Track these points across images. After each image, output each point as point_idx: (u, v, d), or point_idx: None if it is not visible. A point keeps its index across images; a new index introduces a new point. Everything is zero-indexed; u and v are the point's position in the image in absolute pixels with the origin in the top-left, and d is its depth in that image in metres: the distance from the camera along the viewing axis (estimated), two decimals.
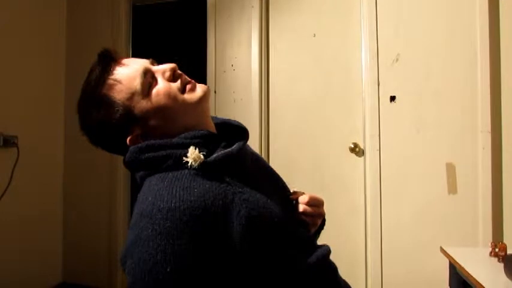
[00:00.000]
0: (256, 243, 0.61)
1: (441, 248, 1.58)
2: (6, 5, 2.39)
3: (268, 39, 2.47)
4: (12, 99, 2.42)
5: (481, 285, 1.19)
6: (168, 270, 0.55)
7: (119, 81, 0.70)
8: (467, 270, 1.31)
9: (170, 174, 0.63)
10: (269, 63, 2.46)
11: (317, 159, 2.33)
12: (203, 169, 0.64)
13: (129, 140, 0.71)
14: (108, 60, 0.72)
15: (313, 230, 0.80)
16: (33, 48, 2.59)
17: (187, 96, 0.72)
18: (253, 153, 0.82)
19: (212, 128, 0.77)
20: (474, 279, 1.24)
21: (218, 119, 0.83)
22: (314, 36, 2.37)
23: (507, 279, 1.21)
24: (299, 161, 2.36)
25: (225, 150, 0.68)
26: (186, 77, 0.75)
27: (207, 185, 0.61)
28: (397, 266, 2.10)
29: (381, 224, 2.12)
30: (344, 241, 2.22)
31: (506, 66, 1.98)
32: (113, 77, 0.71)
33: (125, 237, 2.81)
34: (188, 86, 0.73)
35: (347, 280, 0.77)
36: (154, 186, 0.62)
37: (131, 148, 0.69)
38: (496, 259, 1.42)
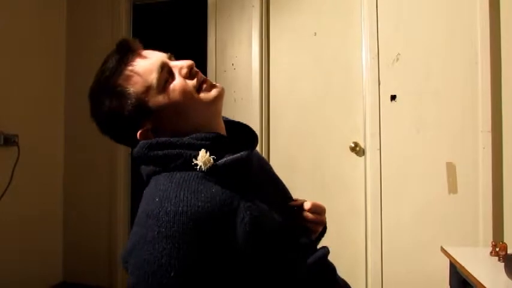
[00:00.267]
0: (258, 249, 0.61)
1: (441, 247, 1.58)
2: (6, 5, 2.39)
3: (268, 38, 2.47)
4: (12, 98, 2.42)
5: (482, 284, 1.19)
6: (172, 274, 0.55)
7: (136, 73, 0.69)
8: (467, 269, 1.31)
9: (178, 174, 0.63)
10: (269, 63, 2.46)
11: (317, 158, 2.33)
12: (211, 173, 0.63)
13: (140, 134, 0.70)
14: (126, 50, 0.72)
15: (313, 237, 0.80)
16: (33, 48, 2.59)
17: (203, 95, 0.71)
18: (259, 158, 0.82)
19: (222, 129, 0.76)
20: (475, 278, 1.24)
21: (228, 118, 0.83)
22: (314, 35, 2.36)
23: (507, 278, 1.21)
24: (299, 160, 2.36)
25: (235, 156, 0.67)
26: (202, 75, 0.74)
27: (214, 190, 0.61)
28: (398, 266, 2.10)
29: (381, 224, 2.12)
30: (344, 240, 2.22)
31: (506, 66, 1.97)
32: (129, 68, 0.70)
33: (125, 237, 2.82)
34: (204, 85, 0.72)
35: (347, 279, 0.77)
36: (162, 186, 0.62)
37: (141, 143, 0.69)
38: (497, 258, 1.42)
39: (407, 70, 2.12)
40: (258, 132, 2.50)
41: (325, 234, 0.87)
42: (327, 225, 0.88)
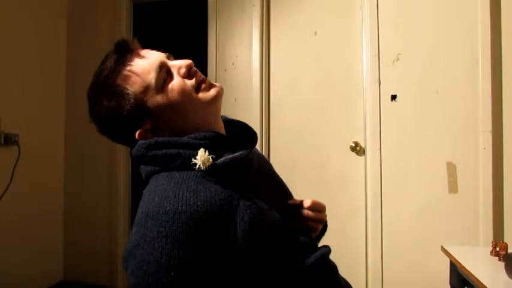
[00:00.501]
0: (258, 248, 0.61)
1: (442, 247, 1.58)
2: (6, 5, 2.39)
3: (269, 37, 2.47)
4: (13, 97, 2.42)
5: (482, 284, 1.19)
6: (172, 274, 0.55)
7: (134, 73, 0.69)
8: (468, 269, 1.32)
9: (177, 174, 0.63)
10: (270, 62, 2.46)
11: (318, 158, 2.33)
12: (211, 172, 0.63)
13: (138, 134, 0.70)
14: (124, 50, 0.72)
15: (314, 235, 0.80)
16: (33, 47, 2.59)
17: (201, 95, 0.71)
18: (259, 157, 0.82)
19: (222, 128, 0.76)
20: (475, 277, 1.24)
21: (227, 118, 0.83)
22: (315, 34, 2.36)
23: (508, 278, 1.21)
24: (300, 160, 2.35)
25: (234, 155, 0.67)
26: (201, 74, 0.74)
27: (213, 189, 0.61)
28: (398, 265, 2.10)
29: (381, 223, 2.13)
30: (345, 240, 2.22)
31: (507, 66, 1.97)
32: (128, 67, 0.70)
33: (126, 236, 2.83)
34: (203, 85, 0.72)
35: (347, 279, 0.77)
36: (161, 186, 0.62)
37: (140, 143, 0.69)
38: (497, 258, 1.42)
39: (408, 70, 2.12)
40: (258, 132, 2.50)
41: (326, 234, 0.87)
42: (328, 223, 0.88)
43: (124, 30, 2.78)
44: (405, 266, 2.08)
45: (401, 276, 2.09)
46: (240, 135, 0.79)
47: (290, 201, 0.79)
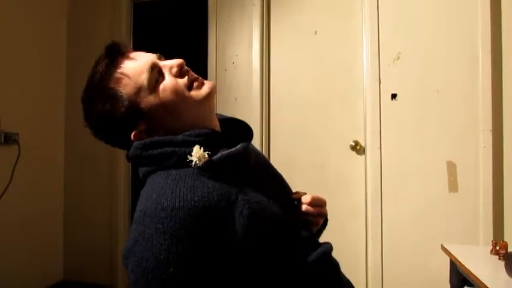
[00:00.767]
0: (258, 243, 0.61)
1: (442, 246, 1.58)
2: (6, 5, 2.39)
3: (269, 37, 2.47)
4: (13, 97, 2.42)
5: (482, 282, 1.19)
6: (171, 270, 0.55)
7: (126, 75, 0.70)
8: (468, 268, 1.32)
9: (174, 172, 0.63)
10: (270, 61, 2.46)
11: (318, 157, 2.33)
12: (207, 168, 0.63)
13: (134, 135, 0.71)
14: (116, 53, 0.72)
15: (315, 230, 0.80)
16: (33, 47, 2.59)
17: (194, 93, 0.72)
18: (256, 153, 0.82)
19: (217, 126, 0.76)
20: (475, 276, 1.24)
21: (222, 116, 0.83)
22: (315, 34, 2.36)
23: (508, 277, 1.21)
24: (300, 159, 2.35)
25: (230, 150, 0.67)
26: (193, 73, 0.75)
27: (210, 185, 0.61)
28: (398, 264, 2.10)
29: (381, 222, 2.12)
30: (345, 239, 2.22)
31: (507, 65, 1.97)
32: (119, 70, 0.70)
33: (126, 235, 2.83)
34: (195, 83, 0.72)
35: (347, 278, 0.77)
36: (158, 184, 0.62)
37: (135, 144, 0.69)
38: (497, 257, 1.42)
39: (408, 69, 2.12)
40: (258, 131, 2.50)
41: (326, 233, 0.87)
42: (328, 218, 0.88)
43: (124, 29, 2.78)
44: (405, 265, 2.08)
45: (402, 275, 2.09)
46: (237, 132, 0.80)
47: (294, 196, 0.79)
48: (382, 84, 2.15)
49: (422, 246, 2.05)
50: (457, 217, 2.01)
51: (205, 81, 0.74)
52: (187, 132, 0.68)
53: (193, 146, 0.65)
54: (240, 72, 2.48)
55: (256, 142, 2.34)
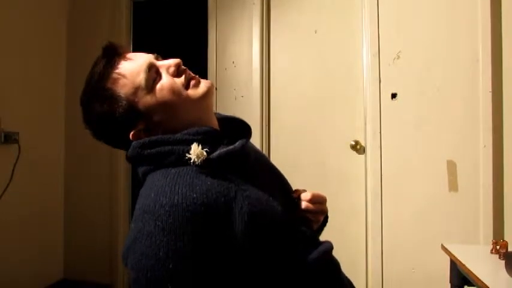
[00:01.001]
0: (258, 240, 0.61)
1: (442, 245, 1.58)
2: (6, 5, 2.38)
3: (269, 36, 2.47)
4: (13, 96, 2.42)
5: (482, 282, 1.19)
6: (171, 266, 0.55)
7: (123, 76, 0.70)
8: (468, 267, 1.31)
9: (173, 170, 0.63)
10: (270, 60, 2.46)
11: (318, 156, 2.33)
12: (206, 166, 0.63)
13: (132, 135, 0.71)
14: (113, 54, 0.72)
15: (315, 227, 0.80)
16: (34, 46, 2.59)
17: (191, 91, 0.72)
18: (255, 151, 0.82)
19: (215, 124, 0.77)
20: (475, 276, 1.24)
21: (221, 115, 0.83)
22: (315, 33, 2.36)
23: (508, 276, 1.21)
24: (300, 158, 2.35)
25: (228, 148, 0.67)
26: (190, 72, 0.75)
27: (209, 182, 0.61)
28: (398, 263, 2.10)
29: (381, 221, 2.13)
30: (345, 238, 2.22)
31: (508, 64, 1.97)
32: (117, 71, 0.70)
33: (126, 234, 2.82)
34: (192, 82, 0.73)
35: (348, 277, 0.77)
36: (157, 182, 0.62)
37: (134, 143, 0.69)
38: (497, 256, 1.42)
39: (408, 68, 2.11)
40: (258, 130, 2.50)
41: (326, 232, 0.87)
42: (328, 222, 0.88)
43: (124, 28, 2.78)
44: (405, 264, 2.08)
45: (402, 275, 2.09)
46: (235, 130, 0.80)
47: (295, 194, 0.79)
48: (382, 84, 2.15)
49: (422, 246, 2.05)
50: (457, 216, 2.01)
51: (202, 79, 0.75)
52: (186, 131, 0.69)
53: (191, 144, 0.65)
54: (240, 72, 2.48)
55: (256, 141, 2.34)
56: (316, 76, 2.35)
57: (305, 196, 0.78)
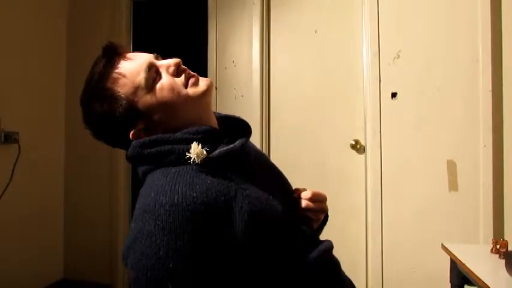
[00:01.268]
0: (258, 239, 0.61)
1: (442, 244, 1.58)
2: (6, 5, 2.38)
3: (269, 35, 2.46)
4: (13, 96, 2.42)
5: (482, 281, 1.19)
6: (171, 266, 0.55)
7: (123, 75, 0.70)
8: (468, 266, 1.31)
9: (173, 169, 0.63)
10: (270, 60, 2.46)
11: (318, 156, 2.33)
12: (206, 165, 0.63)
13: (132, 135, 0.71)
14: (113, 54, 0.72)
15: (315, 226, 0.80)
16: (34, 45, 2.59)
17: (191, 90, 0.72)
18: (255, 150, 0.82)
19: (214, 123, 0.77)
20: (475, 275, 1.24)
21: (220, 114, 0.83)
22: (315, 33, 2.36)
23: (508, 275, 1.21)
24: (300, 158, 2.35)
25: (228, 147, 0.67)
26: (190, 71, 0.75)
27: (209, 181, 0.61)
28: (398, 263, 2.10)
29: (381, 221, 2.12)
30: (345, 238, 2.22)
31: (508, 64, 1.97)
32: (117, 70, 0.71)
33: (126, 233, 2.83)
34: (191, 80, 0.73)
35: (348, 277, 0.77)
36: (157, 181, 0.62)
37: (134, 143, 0.69)
38: (497, 256, 1.42)
39: (408, 67, 2.11)
40: (258, 130, 2.50)
41: (326, 232, 0.87)
42: (328, 222, 0.88)
43: (124, 29, 2.78)
44: (405, 263, 2.08)
45: (402, 274, 2.09)
46: (235, 129, 0.80)
47: (295, 193, 0.79)
48: (382, 83, 2.15)
49: (422, 245, 2.05)
50: (457, 216, 2.01)
51: (202, 78, 0.75)
52: (185, 130, 0.69)
53: (191, 143, 0.65)
54: (240, 71, 2.48)
55: (256, 141, 2.34)
56: (316, 76, 2.35)
57: (305, 195, 0.78)
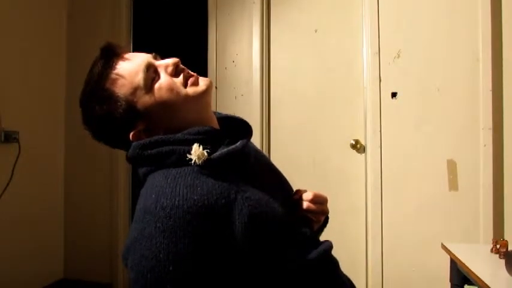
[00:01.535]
0: (258, 241, 0.60)
1: (442, 244, 1.58)
2: (6, 5, 2.38)
3: (269, 35, 2.46)
4: (13, 95, 2.42)
5: (482, 281, 1.19)
6: (171, 269, 0.55)
7: (122, 76, 0.70)
8: (468, 266, 1.31)
9: (174, 170, 0.63)
10: (270, 59, 2.46)
11: (318, 155, 2.33)
12: (206, 166, 0.63)
13: (132, 135, 0.71)
14: (111, 55, 0.72)
15: (316, 227, 0.80)
16: (34, 45, 2.59)
17: (190, 90, 0.72)
18: (256, 150, 0.81)
19: (215, 123, 0.76)
20: (475, 275, 1.24)
21: (220, 114, 0.83)
22: (315, 32, 2.36)
23: (508, 275, 1.21)
24: (300, 158, 2.35)
25: (229, 148, 0.67)
26: (189, 71, 0.75)
27: (210, 183, 0.61)
28: (398, 262, 2.10)
29: (381, 221, 2.12)
30: (345, 237, 2.22)
31: (508, 63, 1.97)
32: (115, 71, 0.70)
33: (126, 233, 2.84)
34: (190, 80, 0.72)
35: (348, 276, 0.77)
36: (158, 183, 0.62)
37: (134, 144, 0.69)
38: (497, 255, 1.42)
39: (409, 67, 2.11)
40: (258, 130, 2.50)
41: (326, 231, 0.87)
42: (329, 216, 0.88)
43: (124, 28, 2.78)
44: (405, 263, 2.08)
45: (402, 274, 2.09)
46: (235, 129, 0.80)
47: (295, 195, 0.78)
48: (383, 83, 2.15)
49: (422, 245, 2.05)
50: (458, 216, 2.01)
51: (201, 77, 0.74)
52: (186, 131, 0.68)
53: (192, 144, 0.64)
54: (240, 71, 2.48)
55: (256, 141, 2.34)
56: (316, 75, 2.35)
57: (306, 196, 0.77)
